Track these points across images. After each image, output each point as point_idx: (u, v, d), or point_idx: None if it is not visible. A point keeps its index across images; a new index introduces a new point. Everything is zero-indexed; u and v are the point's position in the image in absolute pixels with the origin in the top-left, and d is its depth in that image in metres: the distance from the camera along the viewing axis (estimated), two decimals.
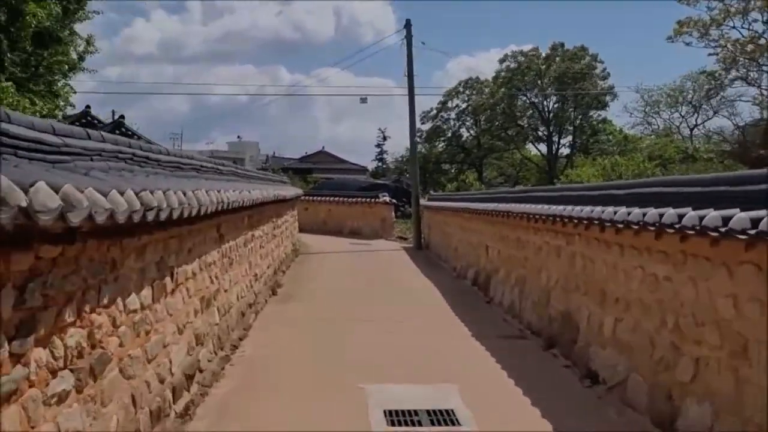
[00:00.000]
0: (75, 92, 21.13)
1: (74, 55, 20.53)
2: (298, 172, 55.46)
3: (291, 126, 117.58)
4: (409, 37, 22.63)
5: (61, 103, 20.23)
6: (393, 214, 27.63)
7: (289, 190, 18.27)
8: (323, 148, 68.25)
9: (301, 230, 26.85)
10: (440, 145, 59.99)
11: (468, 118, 56.30)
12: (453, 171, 62.74)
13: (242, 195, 8.48)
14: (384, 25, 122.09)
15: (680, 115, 53.41)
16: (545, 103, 48.70)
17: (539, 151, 53.47)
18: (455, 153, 59.51)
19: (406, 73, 22.67)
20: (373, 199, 27.28)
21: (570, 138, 50.96)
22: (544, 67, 46.48)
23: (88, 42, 20.70)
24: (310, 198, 29.57)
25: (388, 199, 27.12)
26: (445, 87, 60.73)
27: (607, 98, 45.98)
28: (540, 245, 9.47)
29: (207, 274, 7.35)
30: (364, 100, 25.56)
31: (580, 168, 42.24)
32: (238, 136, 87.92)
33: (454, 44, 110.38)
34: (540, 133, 51.87)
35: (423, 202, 23.44)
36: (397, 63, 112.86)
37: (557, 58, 46.28)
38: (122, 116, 24.21)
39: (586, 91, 44.04)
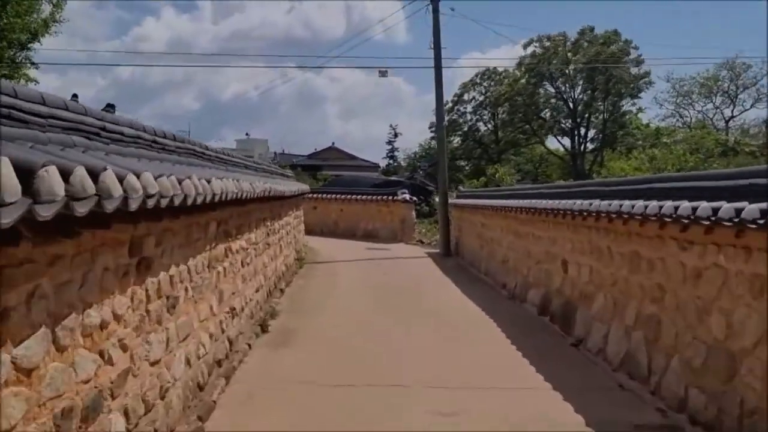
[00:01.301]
0: (36, 66, 17.28)
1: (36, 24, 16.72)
2: (307, 168, 51.57)
3: (301, 124, 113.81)
4: (435, 2, 18.70)
5: (21, 81, 16.40)
6: (413, 213, 23.66)
7: (291, 186, 14.38)
8: (333, 143, 64.31)
9: (309, 232, 22.98)
10: (456, 140, 56.05)
11: (485, 112, 52.19)
12: (469, 167, 58.80)
13: (192, 183, 4.56)
14: (394, 26, 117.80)
15: (714, 106, 49.34)
16: (572, 92, 44.47)
17: (562, 145, 49.28)
18: (472, 148, 55.42)
19: (432, 45, 18.73)
20: (390, 197, 23.33)
21: (595, 131, 46.78)
22: (570, 54, 42.30)
23: (56, 4, 16.81)
24: (319, 196, 25.67)
25: (408, 196, 23.16)
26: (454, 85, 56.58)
27: (642, 84, 41.66)
28: (702, 269, 5.48)
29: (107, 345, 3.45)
30: (384, 74, 21.65)
31: (614, 162, 38.13)
32: (247, 134, 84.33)
33: (465, 41, 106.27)
34: (563, 126, 47.73)
35: (452, 199, 19.46)
36: (408, 62, 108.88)
37: (586, 44, 42.07)
38: (111, 104, 20.59)
39: (618, 76, 39.78)
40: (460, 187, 20.90)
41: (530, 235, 11.12)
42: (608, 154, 45.65)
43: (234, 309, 7.48)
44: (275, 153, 66.63)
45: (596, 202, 7.53)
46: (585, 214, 7.77)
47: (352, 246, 21.15)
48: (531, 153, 53.79)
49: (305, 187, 18.41)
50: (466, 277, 14.65)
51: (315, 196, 25.63)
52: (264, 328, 8.67)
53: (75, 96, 4.17)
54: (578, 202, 8.16)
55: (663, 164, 32.10)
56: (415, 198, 23.87)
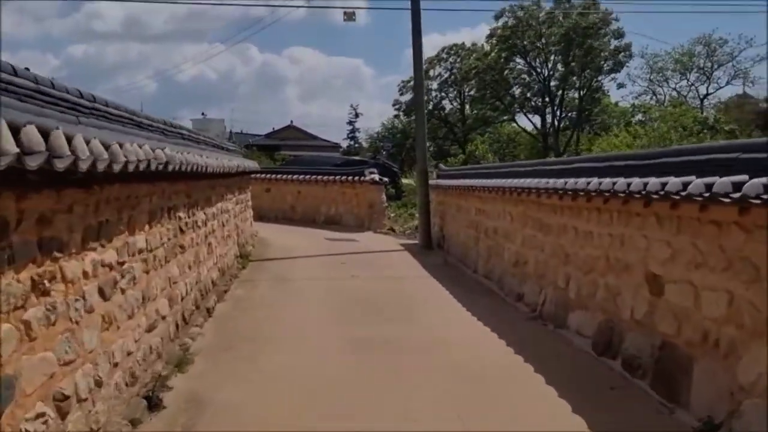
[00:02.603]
0: None
1: None
2: (265, 149, 47.30)
3: (261, 105, 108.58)
4: None
5: None
6: (384, 197, 19.88)
7: (232, 161, 10.52)
8: (291, 122, 59.84)
9: (260, 219, 19.10)
10: None
11: (451, 89, 48.61)
12: (433, 148, 55.21)
13: None
14: (356, 3, 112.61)
15: (689, 83, 46.57)
16: (546, 67, 41.04)
17: (532, 123, 45.88)
18: (437, 127, 51.81)
19: None
20: (357, 178, 19.50)
21: (568, 108, 43.48)
22: (545, 27, 38.82)
23: None
24: (273, 176, 21.69)
25: (377, 176, 19.36)
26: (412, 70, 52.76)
27: (623, 58, 38.46)
28: None
29: None
30: (350, 16, 17.61)
31: (596, 141, 34.93)
32: (203, 113, 79.32)
33: (436, 19, 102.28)
34: (534, 103, 44.38)
35: (432, 180, 15.71)
36: (368, 43, 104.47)
37: (562, 16, 38.63)
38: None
39: (598, 49, 36.46)
40: (441, 166, 17.14)
41: (569, 229, 7.50)
42: (582, 135, 42.55)
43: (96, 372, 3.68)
44: (231, 132, 61.97)
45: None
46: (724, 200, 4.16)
47: (312, 235, 17.34)
48: (498, 132, 50.43)
49: (251, 164, 14.50)
50: (461, 281, 11.01)
51: (268, 176, 21.67)
52: (153, 402, 4.85)
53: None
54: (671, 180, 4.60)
55: (647, 142, 29.32)
56: (385, 179, 20.07)
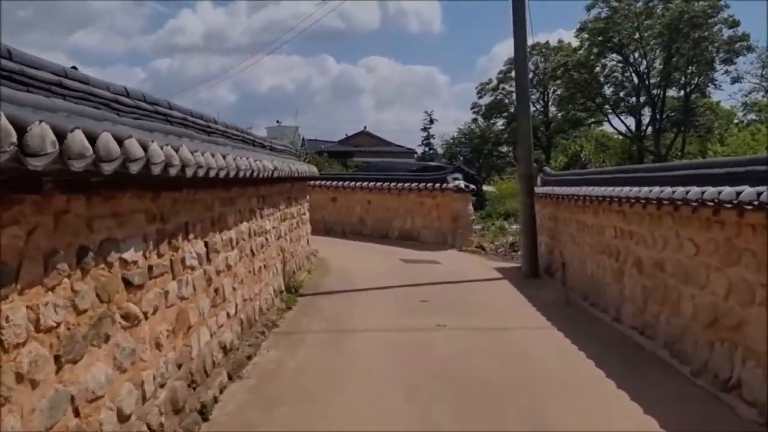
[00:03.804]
0: None
1: None
2: (337, 155, 44.28)
3: (336, 114, 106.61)
4: None
5: None
6: (470, 207, 16.22)
7: (273, 161, 7.23)
8: (365, 128, 56.67)
9: (325, 233, 15.93)
10: (500, 123, 48.41)
11: (534, 90, 44.35)
12: (512, 154, 50.98)
13: None
14: (430, 15, 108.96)
15: None
16: (645, 62, 36.17)
17: (626, 126, 40.91)
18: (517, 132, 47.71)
19: None
20: (438, 185, 15.95)
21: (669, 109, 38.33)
22: (643, 17, 34.09)
23: None
24: (339, 184, 18.41)
25: (462, 183, 15.72)
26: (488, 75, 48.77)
27: (740, 48, 33.23)
28: None
29: None
30: None
31: (710, 144, 30.11)
32: (278, 121, 77.93)
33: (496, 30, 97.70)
34: (628, 103, 39.53)
35: (540, 188, 11.94)
36: (442, 51, 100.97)
37: (662, 5, 33.79)
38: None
39: (710, 39, 31.50)
40: (547, 168, 13.23)
41: None
42: (688, 137, 37.38)
43: None
44: (302, 138, 59.67)
45: None
46: None
47: (383, 255, 13.90)
48: (585, 136, 45.67)
49: (307, 169, 11.21)
50: (601, 337, 7.25)
51: (333, 184, 18.44)
52: None
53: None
54: None
55: None
56: (472, 186, 16.39)
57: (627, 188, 7.45)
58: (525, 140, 12.05)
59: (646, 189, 6.68)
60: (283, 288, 8.91)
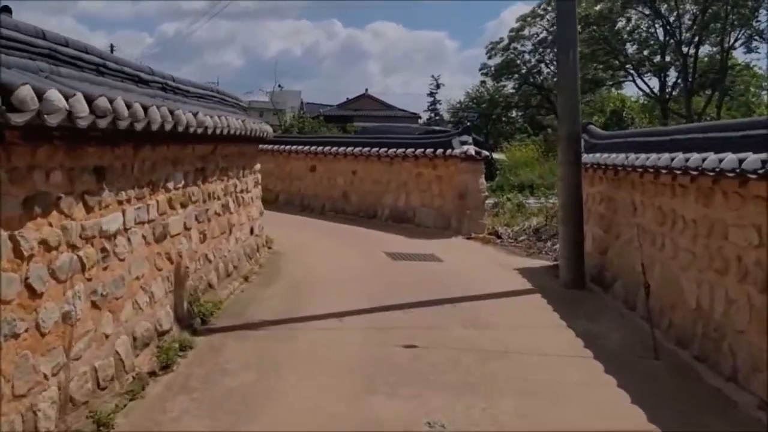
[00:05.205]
0: None
1: None
2: (335, 119, 40.18)
3: (343, 80, 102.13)
4: None
5: None
6: (482, 181, 12.25)
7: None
8: (366, 90, 52.22)
9: (303, 209, 12.20)
10: (510, 86, 44.00)
11: (549, 50, 39.85)
12: (523, 119, 46.62)
13: None
14: None
15: None
16: (676, 14, 31.63)
17: (649, 87, 36.52)
18: (529, 95, 43.26)
19: None
20: (441, 151, 11.99)
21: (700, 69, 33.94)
22: None
23: None
24: (320, 150, 14.46)
25: (473, 149, 11.73)
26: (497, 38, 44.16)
27: None
28: None
29: None
30: None
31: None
32: (279, 86, 73.90)
33: None
34: (654, 63, 35.14)
35: (587, 156, 7.97)
36: (452, 15, 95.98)
37: None
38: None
39: None
40: (592, 128, 9.02)
41: None
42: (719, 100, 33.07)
43: None
44: (301, 101, 55.42)
45: None
46: None
47: (365, 245, 10.08)
48: (602, 100, 41.26)
49: (266, 128, 7.32)
50: None
51: (313, 149, 14.53)
52: None
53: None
54: None
55: None
56: (485, 152, 12.37)
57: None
58: (569, 87, 7.85)
59: None
60: (172, 322, 5.13)
